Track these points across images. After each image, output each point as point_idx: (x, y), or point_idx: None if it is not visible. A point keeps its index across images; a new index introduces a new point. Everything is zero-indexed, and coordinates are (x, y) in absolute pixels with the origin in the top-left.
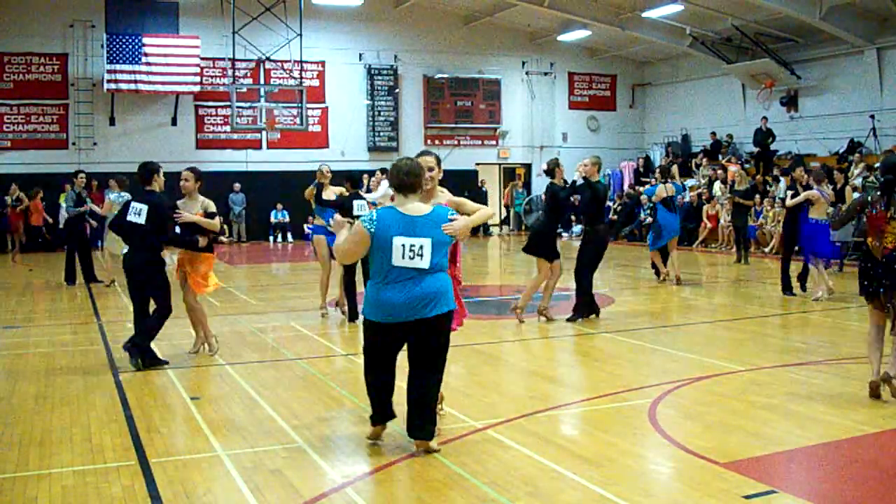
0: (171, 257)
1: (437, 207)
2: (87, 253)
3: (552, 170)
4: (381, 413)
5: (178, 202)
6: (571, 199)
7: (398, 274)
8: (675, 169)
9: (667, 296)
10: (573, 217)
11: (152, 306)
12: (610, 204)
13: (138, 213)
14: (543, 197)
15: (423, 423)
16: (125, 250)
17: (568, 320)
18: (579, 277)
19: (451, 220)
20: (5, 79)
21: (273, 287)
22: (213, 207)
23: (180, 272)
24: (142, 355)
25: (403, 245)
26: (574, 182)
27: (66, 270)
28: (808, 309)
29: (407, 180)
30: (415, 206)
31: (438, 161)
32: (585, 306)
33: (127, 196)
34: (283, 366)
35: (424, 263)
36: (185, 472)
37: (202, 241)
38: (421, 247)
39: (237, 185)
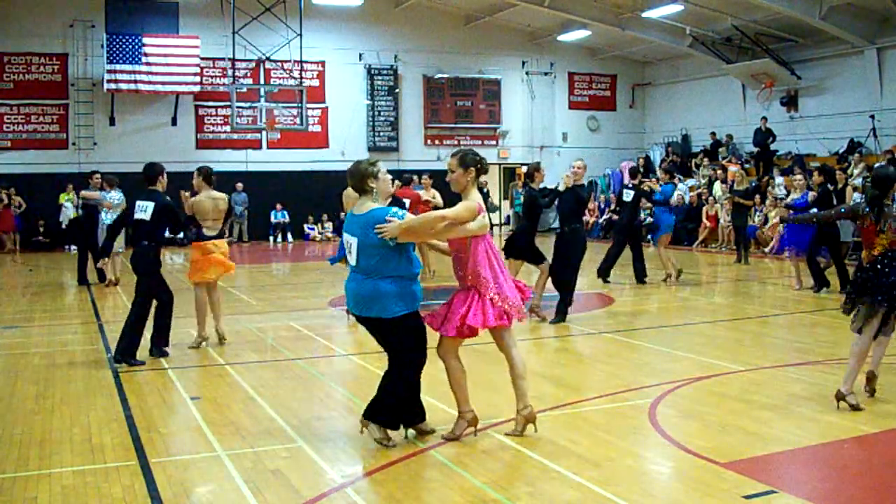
0: (170, 258)
1: (376, 209)
2: (94, 253)
3: (531, 173)
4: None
5: (193, 198)
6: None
7: (352, 268)
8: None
9: (667, 296)
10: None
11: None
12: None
13: (143, 210)
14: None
15: (371, 404)
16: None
17: (552, 322)
18: (567, 279)
19: (389, 221)
20: (5, 79)
21: (273, 287)
22: (223, 205)
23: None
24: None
25: (346, 241)
26: (556, 188)
27: (98, 273)
28: (808, 309)
29: (349, 182)
30: (361, 206)
31: (464, 162)
32: (567, 306)
33: (116, 195)
34: (283, 366)
35: (352, 260)
36: (185, 472)
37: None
38: (351, 245)
39: (239, 185)
